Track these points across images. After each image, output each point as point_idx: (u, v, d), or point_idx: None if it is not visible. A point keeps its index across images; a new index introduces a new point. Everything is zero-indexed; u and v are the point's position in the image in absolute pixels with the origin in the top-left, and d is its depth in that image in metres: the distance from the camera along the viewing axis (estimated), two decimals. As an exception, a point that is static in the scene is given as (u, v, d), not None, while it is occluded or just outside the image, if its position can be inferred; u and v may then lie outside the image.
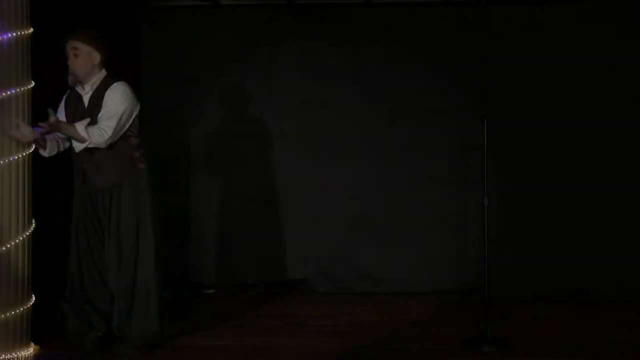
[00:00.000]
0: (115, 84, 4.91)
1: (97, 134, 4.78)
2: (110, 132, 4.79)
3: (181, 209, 6.77)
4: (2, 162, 4.70)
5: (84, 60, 4.87)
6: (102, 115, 4.82)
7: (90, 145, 4.81)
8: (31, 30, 4.80)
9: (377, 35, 6.71)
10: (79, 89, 4.95)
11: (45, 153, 4.94)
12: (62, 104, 5.03)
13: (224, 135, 6.84)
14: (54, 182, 5.53)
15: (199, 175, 6.88)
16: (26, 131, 4.72)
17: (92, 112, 4.88)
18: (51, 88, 5.05)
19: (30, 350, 4.88)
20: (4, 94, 4.68)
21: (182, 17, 6.87)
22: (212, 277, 6.86)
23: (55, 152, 4.99)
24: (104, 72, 4.95)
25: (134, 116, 4.93)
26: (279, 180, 6.88)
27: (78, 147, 4.84)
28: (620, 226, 6.44)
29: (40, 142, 4.84)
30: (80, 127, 4.78)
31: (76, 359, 4.92)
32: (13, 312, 4.74)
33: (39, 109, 4.85)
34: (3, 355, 4.69)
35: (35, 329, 4.97)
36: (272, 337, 5.36)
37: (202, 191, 6.88)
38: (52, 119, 4.67)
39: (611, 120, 6.46)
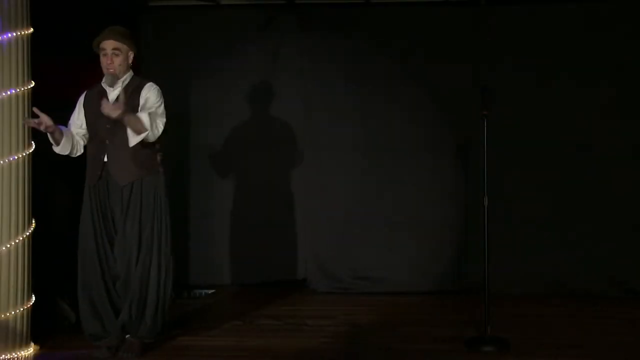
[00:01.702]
0: (149, 83, 4.97)
1: (155, 128, 4.84)
2: (161, 129, 4.88)
3: (181, 210, 6.76)
4: (2, 162, 4.71)
5: (123, 60, 4.90)
6: (154, 114, 4.86)
7: (143, 138, 4.78)
8: (31, 30, 4.81)
9: (377, 35, 6.70)
10: (105, 86, 4.93)
11: (57, 149, 4.90)
12: (80, 105, 4.98)
13: (224, 135, 6.84)
14: (54, 182, 5.54)
15: (199, 176, 6.88)
16: (45, 119, 4.70)
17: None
18: (51, 88, 5.06)
19: (30, 350, 4.89)
20: (4, 94, 4.69)
21: (181, 17, 6.87)
22: (212, 277, 6.86)
23: (67, 152, 4.93)
24: (131, 71, 4.99)
25: None
26: (279, 181, 6.88)
27: (134, 139, 4.77)
28: (621, 226, 6.43)
29: (56, 133, 4.80)
30: (144, 116, 4.78)
31: (76, 359, 4.93)
32: (13, 312, 4.74)
33: (38, 109, 4.85)
34: (3, 355, 4.69)
35: (35, 329, 4.98)
36: (272, 337, 5.36)
37: (202, 192, 6.88)
38: (122, 97, 4.70)
39: (611, 120, 6.46)
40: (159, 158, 5.03)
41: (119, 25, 5.01)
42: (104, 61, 4.88)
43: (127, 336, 4.98)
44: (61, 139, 4.86)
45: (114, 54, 4.86)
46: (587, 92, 6.46)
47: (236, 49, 6.82)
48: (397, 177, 6.67)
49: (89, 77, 5.04)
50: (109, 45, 4.86)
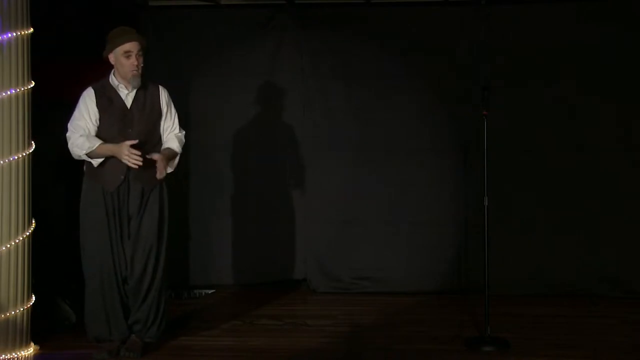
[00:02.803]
0: (160, 86, 5.08)
1: (180, 143, 5.09)
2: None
3: (181, 210, 6.76)
4: (2, 162, 4.71)
5: (142, 61, 4.95)
6: (174, 123, 5.08)
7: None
8: (31, 30, 4.80)
9: (377, 35, 6.70)
10: (120, 89, 4.92)
11: (95, 163, 4.89)
12: (90, 104, 4.89)
13: (224, 135, 6.83)
14: (54, 182, 5.53)
15: (199, 175, 6.87)
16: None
17: (136, 111, 4.92)
18: (51, 88, 5.06)
19: (30, 350, 4.89)
20: (4, 94, 4.69)
21: (182, 17, 6.86)
22: (212, 277, 6.85)
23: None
24: None
25: None
26: (279, 181, 6.87)
27: (172, 167, 5.02)
28: (621, 226, 6.42)
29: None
30: (175, 145, 5.03)
31: (76, 359, 4.93)
32: (13, 312, 4.74)
33: (40, 109, 4.86)
34: (3, 355, 4.69)
35: (35, 329, 4.98)
36: (272, 337, 5.36)
37: (202, 191, 6.87)
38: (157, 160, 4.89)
39: (613, 120, 6.45)
40: None
41: (118, 25, 5.00)
42: (127, 63, 4.85)
43: (132, 335, 4.99)
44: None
45: (139, 55, 4.88)
46: (588, 91, 6.45)
47: (236, 49, 6.81)
48: (397, 177, 6.67)
49: (89, 77, 5.04)
50: (135, 47, 4.86)
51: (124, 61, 4.85)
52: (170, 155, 4.98)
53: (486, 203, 5.16)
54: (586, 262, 6.42)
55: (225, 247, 6.85)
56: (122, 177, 4.88)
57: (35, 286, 4.96)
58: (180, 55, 6.80)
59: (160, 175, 4.87)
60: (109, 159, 4.87)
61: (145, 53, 4.99)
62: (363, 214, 6.69)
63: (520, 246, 6.47)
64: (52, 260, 5.60)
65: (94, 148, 4.81)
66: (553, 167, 6.50)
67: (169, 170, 5.01)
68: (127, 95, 4.93)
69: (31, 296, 4.91)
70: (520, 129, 6.50)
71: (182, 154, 6.73)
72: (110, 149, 4.80)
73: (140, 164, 4.75)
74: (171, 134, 5.06)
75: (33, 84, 4.85)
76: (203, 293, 6.66)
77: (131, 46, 4.85)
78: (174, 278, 6.20)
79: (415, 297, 6.41)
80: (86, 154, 4.84)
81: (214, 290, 6.74)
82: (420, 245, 6.62)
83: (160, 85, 5.09)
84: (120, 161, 4.83)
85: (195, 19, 6.86)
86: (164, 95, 5.05)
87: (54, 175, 5.88)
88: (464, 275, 6.56)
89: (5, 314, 4.71)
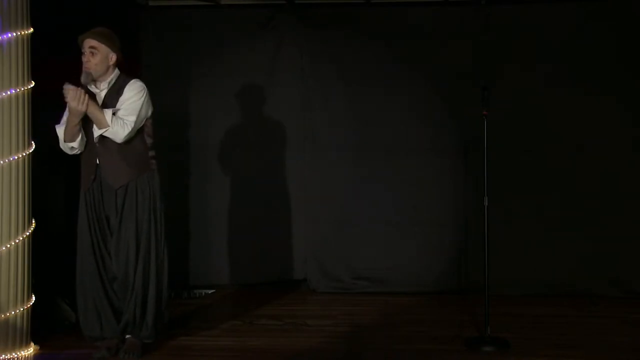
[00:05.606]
0: (133, 80, 4.94)
1: (119, 125, 4.77)
2: (130, 127, 4.79)
3: (181, 209, 6.77)
4: (2, 162, 4.71)
5: (101, 60, 4.86)
6: (121, 110, 4.81)
7: (107, 134, 4.76)
8: (31, 30, 4.81)
9: (377, 35, 6.70)
10: (91, 87, 4.91)
11: (75, 144, 4.84)
12: None
13: (224, 136, 6.84)
14: (53, 182, 5.53)
15: (199, 175, 6.88)
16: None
17: (107, 108, 4.87)
18: (51, 88, 5.06)
19: (30, 350, 4.89)
20: (4, 94, 4.69)
21: (182, 17, 6.86)
22: (212, 277, 6.85)
23: (82, 150, 4.89)
24: (117, 71, 4.96)
25: (149, 114, 4.95)
26: (279, 181, 6.88)
27: (96, 132, 4.78)
28: (622, 227, 6.42)
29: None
30: (108, 112, 4.77)
31: (76, 359, 4.93)
32: (13, 312, 4.74)
33: (39, 109, 4.85)
34: (3, 355, 4.69)
35: (35, 329, 4.98)
36: (272, 337, 5.36)
37: (202, 191, 6.87)
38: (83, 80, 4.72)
39: (614, 120, 6.45)
40: (151, 155, 5.00)
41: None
42: (83, 59, 4.87)
43: (128, 337, 4.98)
44: (78, 135, 4.84)
45: (90, 52, 4.84)
46: (588, 91, 6.46)
47: (236, 49, 6.81)
48: (397, 177, 6.67)
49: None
50: (86, 43, 4.86)
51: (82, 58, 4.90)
52: (97, 111, 4.76)
53: (486, 203, 5.15)
54: (586, 262, 6.42)
55: (225, 247, 6.85)
56: (93, 176, 4.87)
57: (35, 286, 4.96)
58: (180, 55, 6.80)
59: (70, 98, 4.70)
60: (83, 159, 4.89)
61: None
62: (363, 213, 6.70)
63: (520, 246, 6.48)
64: (52, 260, 5.60)
65: (63, 132, 4.84)
66: (553, 167, 6.50)
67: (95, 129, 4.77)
68: (99, 93, 4.93)
69: (31, 296, 4.91)
70: (520, 129, 6.50)
71: (181, 153, 6.80)
72: (68, 116, 4.80)
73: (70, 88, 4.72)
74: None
75: (33, 84, 4.85)
76: (203, 293, 6.66)
77: (83, 43, 4.86)
78: (173, 278, 6.19)
79: (415, 297, 6.41)
80: (64, 142, 4.86)
81: (213, 290, 6.74)
82: (420, 245, 6.63)
83: (136, 79, 4.97)
84: (88, 160, 4.86)
85: (195, 19, 6.86)
86: (128, 87, 4.89)
87: (53, 176, 5.87)
88: (464, 275, 6.57)
89: (5, 314, 4.71)
